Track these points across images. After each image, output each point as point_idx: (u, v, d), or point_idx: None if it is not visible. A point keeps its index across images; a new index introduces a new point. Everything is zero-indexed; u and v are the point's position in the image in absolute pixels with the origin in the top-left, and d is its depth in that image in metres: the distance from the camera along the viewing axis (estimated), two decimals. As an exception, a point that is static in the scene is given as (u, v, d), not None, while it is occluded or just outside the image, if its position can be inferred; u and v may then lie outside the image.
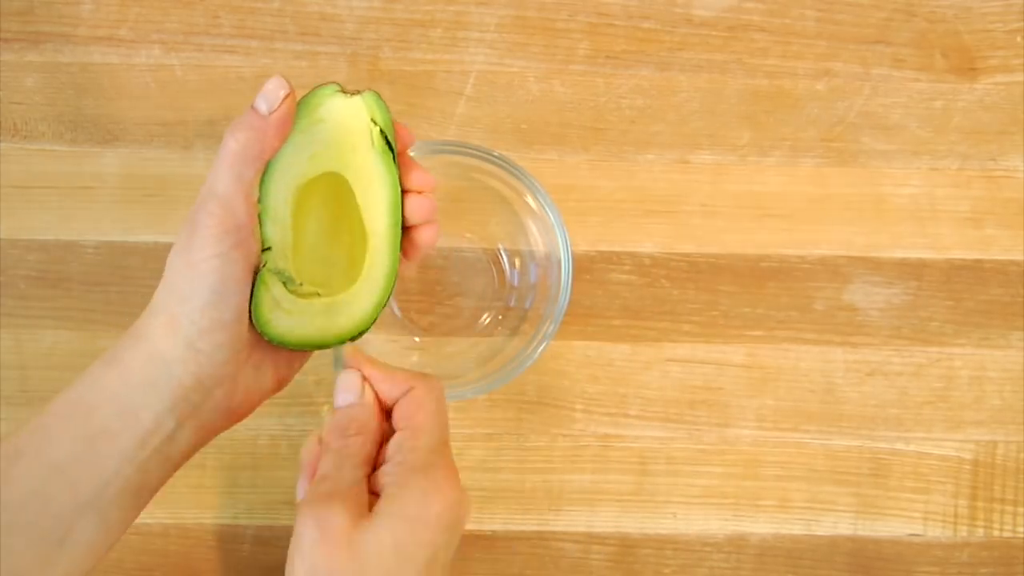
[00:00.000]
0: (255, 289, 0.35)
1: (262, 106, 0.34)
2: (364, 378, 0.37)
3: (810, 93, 0.54)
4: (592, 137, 0.54)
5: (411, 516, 0.33)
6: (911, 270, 0.54)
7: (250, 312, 0.35)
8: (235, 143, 0.34)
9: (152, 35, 0.54)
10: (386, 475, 0.35)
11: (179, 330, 0.34)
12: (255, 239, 0.35)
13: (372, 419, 0.37)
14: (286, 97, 0.35)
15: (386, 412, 0.38)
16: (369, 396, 0.37)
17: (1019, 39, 0.55)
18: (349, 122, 0.37)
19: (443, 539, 0.34)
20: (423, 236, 0.39)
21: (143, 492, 0.35)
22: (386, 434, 0.37)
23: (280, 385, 0.38)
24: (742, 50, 0.54)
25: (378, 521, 0.33)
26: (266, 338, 0.36)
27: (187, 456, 0.36)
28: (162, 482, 0.35)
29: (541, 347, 0.49)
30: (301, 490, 0.36)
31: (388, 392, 0.37)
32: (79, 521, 0.33)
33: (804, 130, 0.54)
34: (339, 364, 0.38)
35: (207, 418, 0.35)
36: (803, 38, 0.54)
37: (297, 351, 0.38)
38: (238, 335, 0.35)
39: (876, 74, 0.54)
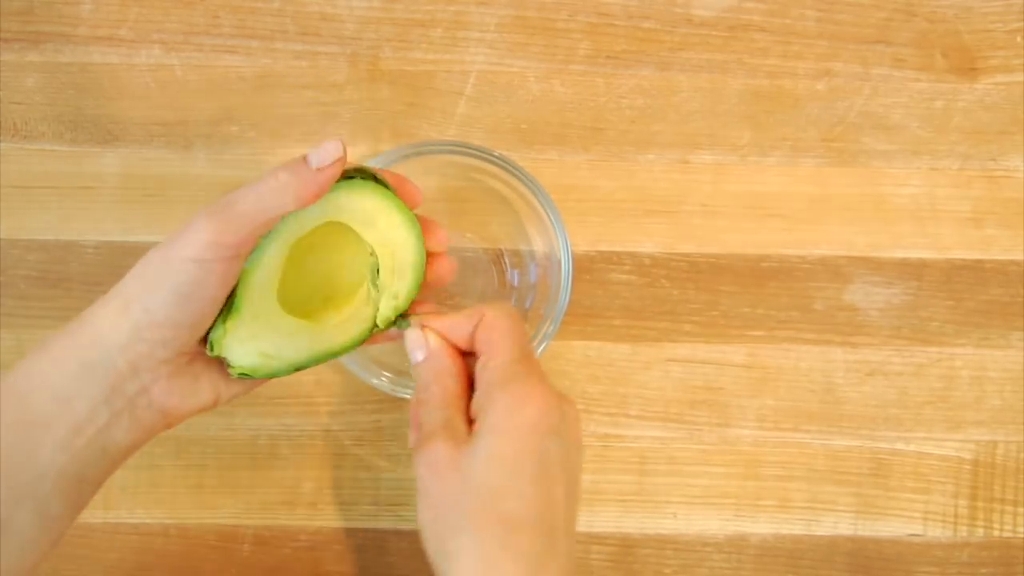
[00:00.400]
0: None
1: (313, 160, 0.35)
2: (426, 330, 0.39)
3: (810, 93, 0.54)
4: (592, 137, 0.54)
5: (502, 428, 0.34)
6: (911, 270, 0.54)
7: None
8: (276, 181, 0.34)
9: (152, 35, 0.54)
10: (476, 400, 0.36)
11: (130, 316, 0.34)
12: (236, 272, 0.35)
13: (446, 364, 0.38)
14: (338, 160, 0.35)
15: (468, 352, 0.39)
16: (436, 345, 0.38)
17: (1019, 39, 0.55)
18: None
19: (547, 444, 0.34)
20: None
21: (82, 485, 0.35)
22: (472, 369, 0.38)
23: (216, 403, 0.38)
24: (742, 50, 0.54)
25: (474, 441, 0.34)
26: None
27: (125, 452, 0.36)
28: (101, 477, 0.35)
29: (541, 347, 0.49)
30: (412, 440, 0.38)
31: (459, 335, 0.38)
32: (16, 512, 0.33)
33: (804, 130, 0.54)
34: (403, 324, 0.40)
35: (142, 415, 0.35)
36: (803, 38, 0.54)
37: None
38: (187, 340, 0.35)
39: (876, 74, 0.54)
